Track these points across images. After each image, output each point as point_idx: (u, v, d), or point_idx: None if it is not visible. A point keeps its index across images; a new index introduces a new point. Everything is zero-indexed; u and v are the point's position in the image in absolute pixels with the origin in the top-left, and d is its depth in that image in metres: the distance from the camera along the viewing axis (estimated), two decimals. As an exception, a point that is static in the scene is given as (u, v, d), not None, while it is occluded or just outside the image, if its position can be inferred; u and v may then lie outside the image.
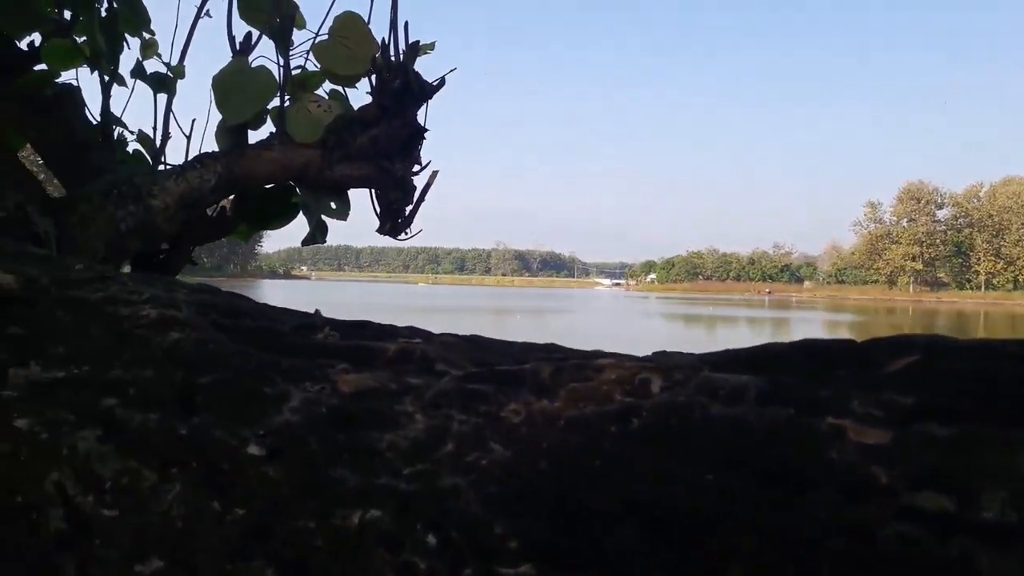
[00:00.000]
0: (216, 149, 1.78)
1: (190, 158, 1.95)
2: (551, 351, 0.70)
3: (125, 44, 2.54)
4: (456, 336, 0.69)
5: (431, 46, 1.87)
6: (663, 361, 0.61)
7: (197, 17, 2.20)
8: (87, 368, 0.54)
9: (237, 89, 1.65)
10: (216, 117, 1.98)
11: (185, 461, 0.51)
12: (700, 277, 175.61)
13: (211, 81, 1.67)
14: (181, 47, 2.12)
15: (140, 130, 2.09)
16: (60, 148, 1.76)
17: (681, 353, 0.73)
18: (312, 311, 0.85)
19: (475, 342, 0.68)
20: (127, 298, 0.63)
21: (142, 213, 1.49)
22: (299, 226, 2.15)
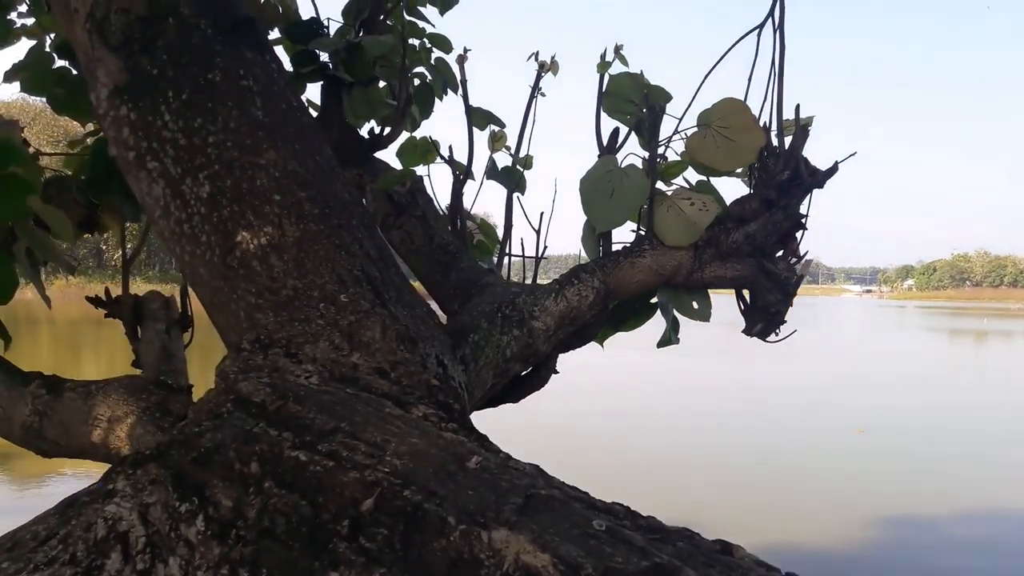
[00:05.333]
0: (578, 245, 1.69)
1: (541, 250, 1.88)
2: None
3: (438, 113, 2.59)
4: None
5: (810, 121, 1.65)
6: None
7: (532, 96, 2.16)
8: None
9: (606, 194, 1.54)
10: (563, 205, 1.91)
11: None
12: (967, 283, 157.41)
13: (579, 185, 1.58)
14: (519, 129, 2.08)
15: (483, 220, 2.08)
16: (424, 253, 1.76)
17: None
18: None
19: None
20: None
21: (525, 337, 1.42)
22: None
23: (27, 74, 2.16)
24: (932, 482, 9.19)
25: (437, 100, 2.54)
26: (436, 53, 2.64)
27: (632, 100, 1.59)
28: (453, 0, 2.69)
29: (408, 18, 2.56)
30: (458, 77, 2.00)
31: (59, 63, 2.09)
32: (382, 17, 2.39)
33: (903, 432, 12.12)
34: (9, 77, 2.15)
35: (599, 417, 12.25)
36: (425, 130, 2.15)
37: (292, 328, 1.09)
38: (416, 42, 2.61)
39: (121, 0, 1.27)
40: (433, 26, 2.59)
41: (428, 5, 2.61)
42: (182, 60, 1.27)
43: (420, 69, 2.58)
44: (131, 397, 1.37)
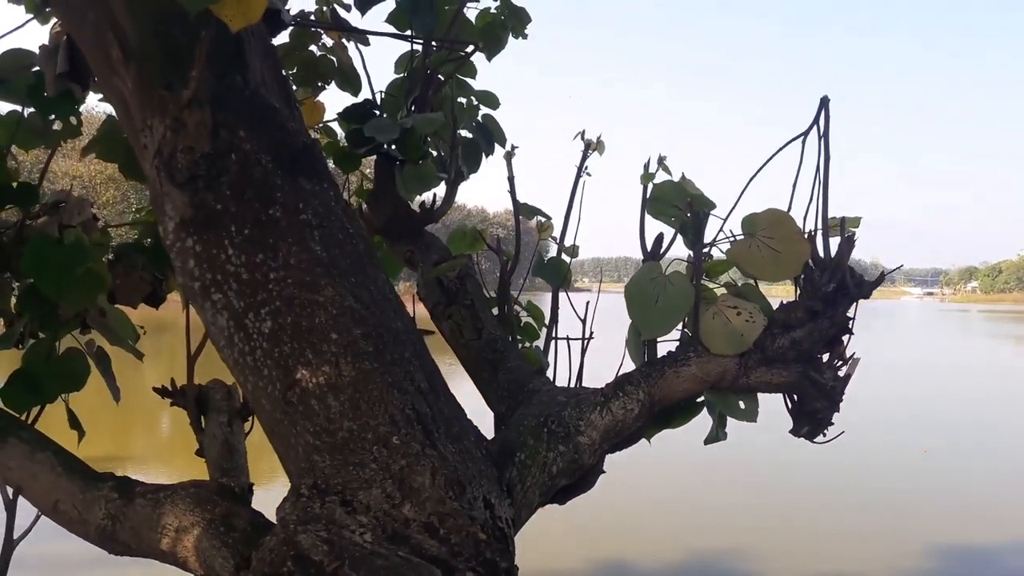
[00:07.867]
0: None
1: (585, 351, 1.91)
2: None
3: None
4: None
5: (856, 222, 1.65)
6: None
7: (578, 176, 2.19)
8: None
9: (651, 301, 1.56)
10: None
11: None
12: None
13: (624, 291, 1.61)
14: (563, 217, 2.11)
15: (530, 302, 2.12)
16: (473, 349, 1.81)
17: None
18: None
19: None
20: None
21: (571, 452, 1.45)
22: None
23: (101, 146, 2.29)
24: (996, 511, 8.91)
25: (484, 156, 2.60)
26: (484, 110, 2.70)
27: (676, 205, 1.61)
28: (499, 47, 2.74)
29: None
30: (506, 174, 2.04)
31: (127, 132, 2.21)
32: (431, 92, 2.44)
33: (968, 454, 11.77)
34: (86, 151, 2.28)
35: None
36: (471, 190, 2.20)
37: (347, 473, 1.14)
38: (463, 100, 2.67)
39: (187, 139, 1.35)
40: (477, 99, 2.65)
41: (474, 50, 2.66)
42: (244, 196, 1.33)
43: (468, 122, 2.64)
44: (197, 507, 1.44)
